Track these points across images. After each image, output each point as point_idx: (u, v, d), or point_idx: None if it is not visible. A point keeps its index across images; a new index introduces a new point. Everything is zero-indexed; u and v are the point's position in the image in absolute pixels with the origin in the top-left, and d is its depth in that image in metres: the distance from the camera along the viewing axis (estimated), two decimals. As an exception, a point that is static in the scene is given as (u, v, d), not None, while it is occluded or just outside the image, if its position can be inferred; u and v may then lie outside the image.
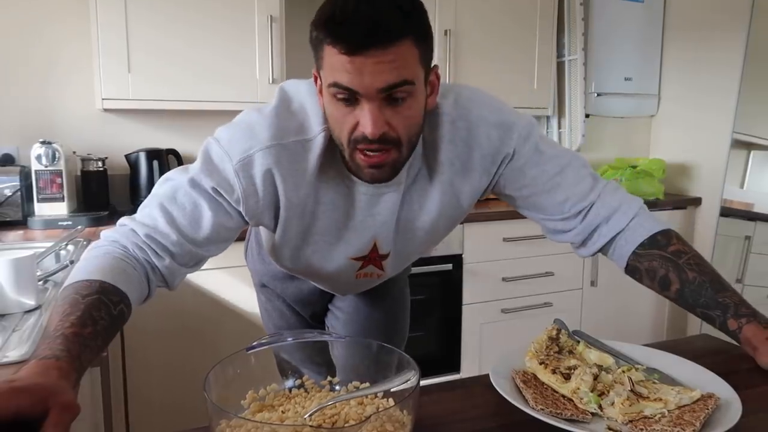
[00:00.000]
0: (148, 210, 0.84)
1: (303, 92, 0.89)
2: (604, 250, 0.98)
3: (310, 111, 0.87)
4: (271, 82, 2.08)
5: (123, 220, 0.86)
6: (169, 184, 0.86)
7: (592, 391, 0.72)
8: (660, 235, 0.93)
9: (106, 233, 0.85)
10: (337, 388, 0.72)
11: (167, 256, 0.84)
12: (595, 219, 0.95)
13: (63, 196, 1.92)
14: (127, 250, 0.82)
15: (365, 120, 0.75)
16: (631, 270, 0.96)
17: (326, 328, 1.28)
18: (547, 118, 2.78)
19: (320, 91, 0.82)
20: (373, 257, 0.98)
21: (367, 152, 0.78)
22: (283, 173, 0.84)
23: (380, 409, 0.62)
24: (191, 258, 0.87)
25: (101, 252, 0.81)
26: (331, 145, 0.85)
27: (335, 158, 0.87)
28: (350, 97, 0.75)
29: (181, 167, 0.88)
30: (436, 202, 0.93)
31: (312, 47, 0.79)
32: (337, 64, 0.73)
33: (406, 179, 0.90)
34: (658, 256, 0.92)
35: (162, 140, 2.28)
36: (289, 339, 0.81)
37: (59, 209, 1.91)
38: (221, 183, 0.83)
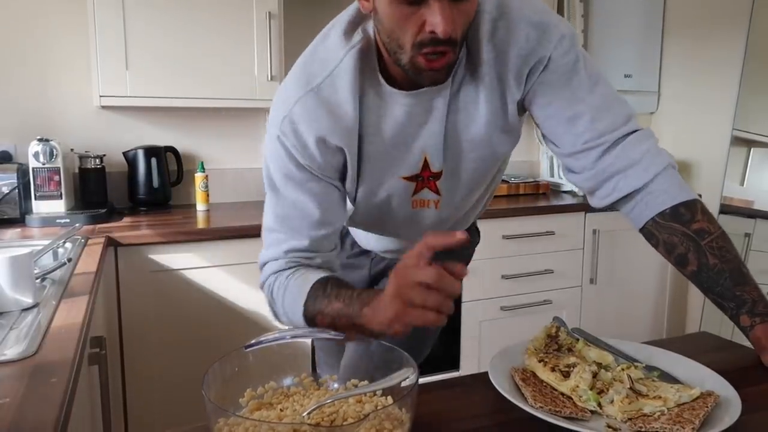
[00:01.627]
0: (273, 237, 0.92)
1: (327, 26, 0.89)
2: (618, 205, 0.92)
3: (332, 39, 0.86)
4: (269, 79, 2.08)
5: (262, 260, 0.93)
6: (267, 210, 0.92)
7: (591, 389, 0.72)
8: (684, 207, 0.87)
9: (265, 279, 0.92)
10: (336, 386, 0.72)
11: (315, 254, 0.91)
12: (611, 167, 0.88)
13: (61, 194, 1.91)
14: (294, 270, 0.89)
15: (436, 19, 0.71)
16: (647, 234, 0.91)
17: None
18: (547, 115, 2.77)
19: None
20: (425, 176, 0.94)
21: (431, 56, 0.75)
22: (324, 121, 0.85)
23: (379, 408, 0.61)
24: (332, 240, 0.93)
25: (284, 281, 0.88)
26: (362, 64, 0.84)
27: (371, 76, 0.85)
28: None
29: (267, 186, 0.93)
30: (483, 109, 0.88)
31: None
32: None
33: (452, 86, 0.87)
34: (680, 232, 0.87)
35: (160, 137, 2.27)
36: (288, 337, 0.81)
37: (57, 207, 1.91)
38: (284, 164, 0.87)
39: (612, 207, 0.93)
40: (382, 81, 0.86)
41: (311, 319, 0.82)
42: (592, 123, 0.87)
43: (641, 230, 0.92)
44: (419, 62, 0.76)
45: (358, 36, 0.85)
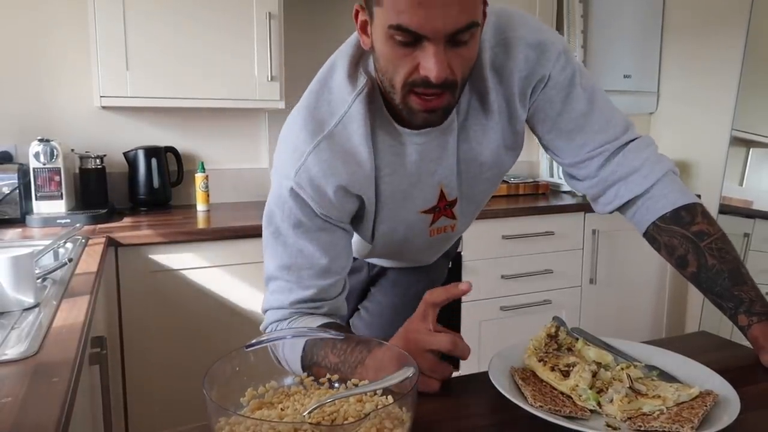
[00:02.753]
0: (276, 285, 0.88)
1: (326, 67, 0.87)
2: (622, 210, 0.95)
3: (337, 81, 0.84)
4: (269, 79, 2.08)
5: (265, 306, 0.91)
6: (271, 258, 0.88)
7: (590, 389, 0.72)
8: (684, 211, 0.89)
9: (266, 326, 0.90)
10: (336, 385, 0.72)
11: (321, 303, 0.89)
12: (612, 175, 0.91)
13: (61, 194, 1.91)
14: (296, 318, 0.88)
15: (429, 64, 0.70)
16: (649, 238, 0.93)
17: (350, 327, 1.25)
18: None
19: (363, 30, 0.78)
20: (442, 206, 0.95)
21: (424, 96, 0.74)
22: (341, 170, 0.83)
23: (379, 407, 0.61)
24: (338, 286, 0.90)
25: (284, 327, 0.87)
26: (371, 106, 0.83)
27: (380, 117, 0.84)
28: (412, 40, 0.70)
29: (269, 230, 0.88)
30: (494, 134, 0.89)
31: None
32: (402, 4, 0.68)
33: (458, 117, 0.87)
34: (679, 234, 0.88)
35: (160, 138, 2.28)
36: (289, 337, 0.81)
37: (57, 207, 1.91)
38: (294, 213, 0.85)
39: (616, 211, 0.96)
40: (393, 121, 0.85)
41: (308, 369, 0.79)
42: (594, 134, 0.90)
43: (644, 235, 0.94)
44: (412, 102, 0.76)
45: (362, 79, 0.84)
